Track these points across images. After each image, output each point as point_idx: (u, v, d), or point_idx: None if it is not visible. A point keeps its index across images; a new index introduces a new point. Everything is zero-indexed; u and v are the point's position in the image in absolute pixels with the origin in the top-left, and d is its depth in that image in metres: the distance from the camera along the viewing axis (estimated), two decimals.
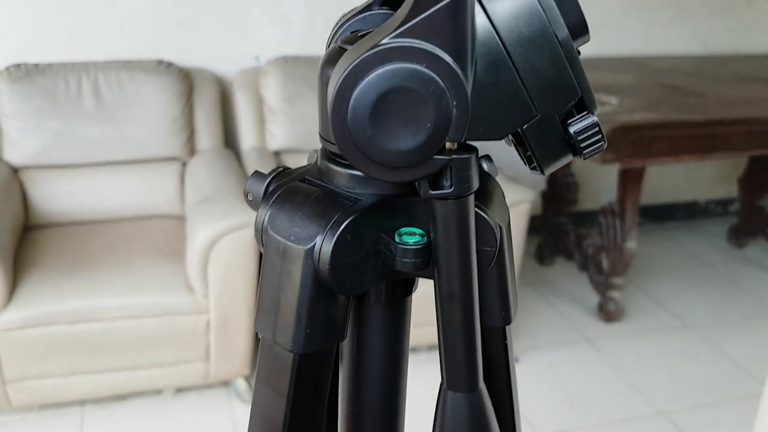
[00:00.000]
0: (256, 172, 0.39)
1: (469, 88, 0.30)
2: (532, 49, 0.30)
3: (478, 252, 0.35)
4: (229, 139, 2.42)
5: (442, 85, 0.29)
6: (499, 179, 1.72)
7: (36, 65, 2.12)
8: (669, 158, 2.12)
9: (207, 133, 2.31)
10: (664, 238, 3.11)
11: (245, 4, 2.38)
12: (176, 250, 1.96)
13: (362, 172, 0.32)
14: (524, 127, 0.32)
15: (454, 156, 0.31)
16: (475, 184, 0.33)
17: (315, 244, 0.34)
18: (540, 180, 2.84)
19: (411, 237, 0.35)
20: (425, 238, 0.35)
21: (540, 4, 0.30)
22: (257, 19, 2.41)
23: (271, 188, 0.38)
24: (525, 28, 0.30)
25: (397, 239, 0.35)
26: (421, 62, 0.29)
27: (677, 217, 3.28)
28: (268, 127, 2.34)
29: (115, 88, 2.16)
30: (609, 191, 2.61)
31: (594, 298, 2.51)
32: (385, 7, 0.37)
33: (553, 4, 0.30)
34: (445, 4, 0.28)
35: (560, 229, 2.73)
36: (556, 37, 0.30)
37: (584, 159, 0.33)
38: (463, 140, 0.31)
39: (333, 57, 0.35)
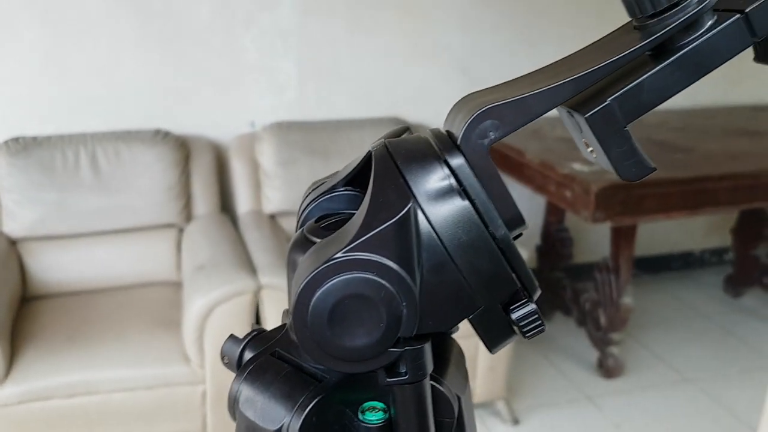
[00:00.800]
0: (232, 336, 0.41)
1: (416, 290, 0.33)
2: (472, 251, 0.33)
3: (436, 423, 0.37)
4: (226, 203, 2.45)
5: (392, 289, 0.32)
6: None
7: (34, 138, 2.16)
8: (659, 215, 2.15)
9: (203, 199, 2.33)
10: (661, 289, 3.12)
11: (240, 73, 2.44)
12: (172, 319, 1.96)
13: (322, 365, 0.35)
14: (470, 317, 0.35)
15: (407, 347, 0.34)
16: (429, 368, 0.35)
17: (282, 425, 0.37)
18: (534, 234, 2.86)
19: (373, 414, 0.37)
20: (387, 413, 0.37)
21: (476, 210, 0.33)
22: (252, 87, 2.46)
23: (245, 354, 0.40)
24: (464, 235, 0.33)
25: (360, 417, 0.37)
26: (372, 272, 0.32)
27: (673, 268, 3.29)
28: (263, 191, 2.37)
29: (112, 159, 2.19)
30: (605, 243, 2.62)
31: (593, 354, 2.50)
32: (349, 187, 0.40)
33: (490, 206, 0.34)
34: (391, 224, 0.32)
35: (557, 284, 2.74)
36: (494, 238, 0.33)
37: (528, 339, 0.36)
38: (414, 334, 0.34)
39: (298, 244, 0.38)
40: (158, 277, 2.24)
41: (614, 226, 2.24)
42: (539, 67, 0.36)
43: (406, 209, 0.32)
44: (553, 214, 2.79)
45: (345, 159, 0.42)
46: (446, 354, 0.41)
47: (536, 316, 0.34)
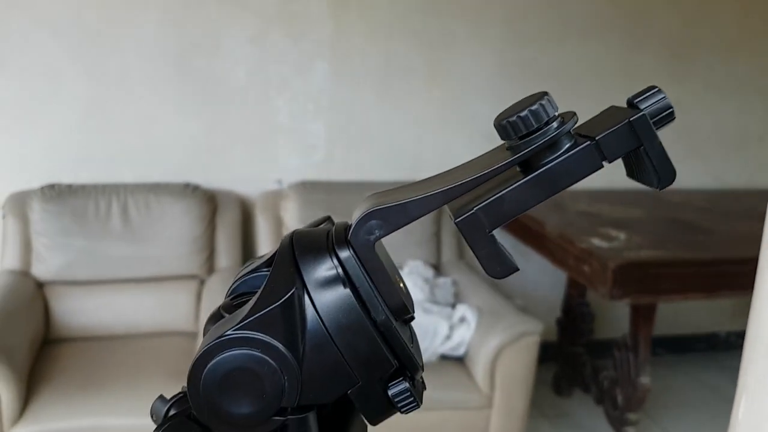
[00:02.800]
0: (161, 397, 0.45)
1: (297, 366, 0.37)
2: (350, 333, 0.37)
3: None
4: (248, 257, 2.49)
5: (274, 365, 0.36)
6: (507, 310, 1.75)
7: (69, 186, 2.25)
8: (676, 296, 2.13)
9: (226, 252, 2.39)
10: (683, 370, 3.05)
11: (271, 133, 2.52)
12: (185, 369, 1.98)
13: (214, 430, 0.39)
14: (349, 391, 0.38)
15: (290, 416, 0.38)
16: None
17: None
18: (555, 307, 2.84)
19: None
20: None
21: (359, 297, 0.37)
22: (282, 147, 2.54)
23: (170, 413, 0.44)
24: (344, 318, 0.37)
25: None
26: (257, 348, 0.36)
27: (697, 349, 3.22)
28: None
29: (142, 210, 2.27)
30: (626, 320, 2.60)
31: None
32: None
33: (373, 294, 0.38)
34: (275, 307, 0.37)
35: (577, 360, 2.70)
36: (375, 322, 0.37)
37: (403, 414, 0.39)
38: (296, 405, 0.38)
39: (213, 318, 0.42)
40: (177, 326, 2.28)
41: (633, 304, 2.22)
42: (436, 174, 0.40)
43: (288, 294, 0.37)
44: (575, 288, 2.77)
45: None
46: (346, 424, 0.44)
47: (408, 393, 0.38)
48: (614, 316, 2.92)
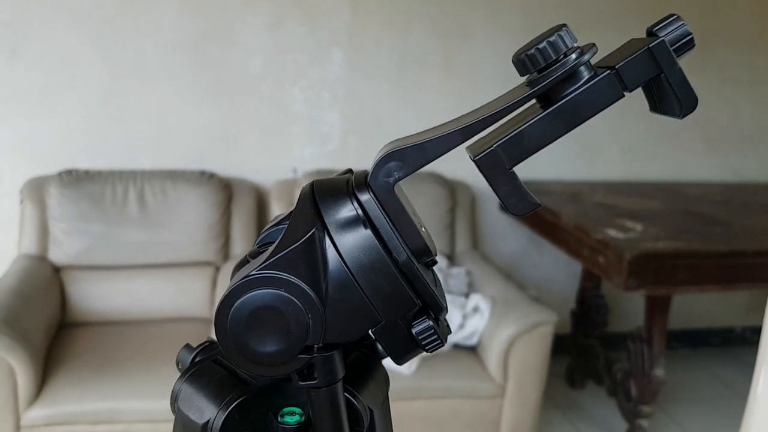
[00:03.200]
0: (187, 345, 0.47)
1: (320, 305, 0.37)
2: (373, 273, 0.38)
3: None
4: None
5: (299, 304, 0.37)
6: (521, 300, 1.76)
7: (87, 172, 2.27)
8: (692, 287, 2.11)
9: (241, 240, 2.40)
10: (698, 364, 3.03)
11: (287, 123, 2.52)
12: None
13: (241, 369, 0.40)
14: (372, 329, 0.39)
15: (315, 354, 0.38)
16: (340, 374, 0.40)
17: (209, 420, 0.41)
18: (569, 298, 2.83)
19: (291, 417, 0.42)
20: (304, 417, 0.42)
21: (379, 238, 0.38)
22: (297, 136, 2.55)
23: (196, 360, 0.45)
24: (366, 258, 0.38)
25: (279, 419, 0.42)
26: (281, 288, 0.37)
27: (712, 344, 3.20)
28: None
29: (159, 196, 2.28)
30: (640, 313, 2.59)
31: (622, 426, 2.43)
32: None
33: (393, 235, 0.38)
34: (298, 245, 0.37)
35: (590, 352, 2.69)
36: (396, 262, 0.38)
37: (429, 353, 0.40)
38: (321, 343, 0.38)
39: (240, 263, 0.43)
40: (192, 312, 2.29)
41: (648, 296, 2.21)
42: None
43: (309, 234, 0.37)
44: (589, 280, 2.76)
45: None
46: (367, 373, 0.45)
47: (432, 331, 0.38)
48: (629, 309, 2.91)
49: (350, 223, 0.38)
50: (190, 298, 2.31)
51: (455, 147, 0.37)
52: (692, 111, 0.36)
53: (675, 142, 2.94)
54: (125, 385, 1.87)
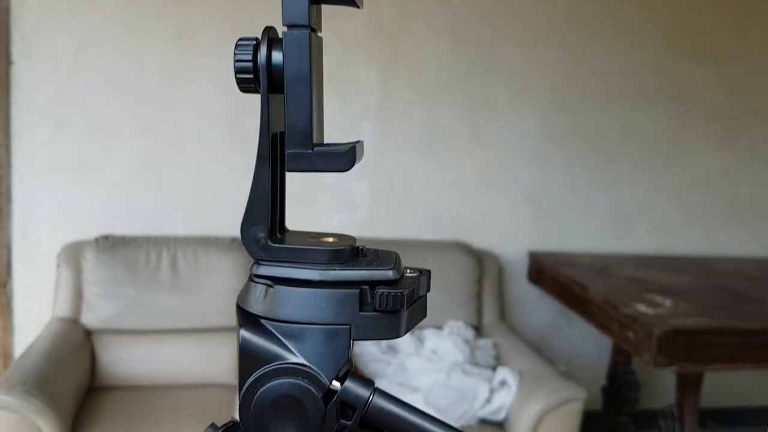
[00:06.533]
0: (212, 424, 0.48)
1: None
2: None
3: None
4: None
5: (315, 392, 0.40)
6: (549, 374, 1.75)
7: (123, 238, 2.33)
8: (724, 365, 2.07)
9: None
10: None
11: (316, 191, 2.58)
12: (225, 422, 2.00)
13: None
14: None
15: None
16: None
17: None
18: (600, 374, 2.78)
19: None
20: None
21: None
22: (326, 205, 2.60)
23: None
24: None
25: None
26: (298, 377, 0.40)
27: (748, 423, 3.09)
28: None
29: (190, 262, 2.33)
30: (673, 390, 2.53)
31: None
32: None
33: None
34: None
35: (622, 430, 2.62)
36: None
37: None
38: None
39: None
40: (219, 378, 2.30)
41: (679, 373, 2.16)
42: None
43: None
44: (620, 355, 2.71)
45: None
46: None
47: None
48: (661, 385, 2.84)
49: None
50: (216, 364, 2.32)
51: None
52: None
53: (705, 218, 2.92)
54: None
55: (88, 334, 2.26)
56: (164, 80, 2.43)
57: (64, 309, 2.26)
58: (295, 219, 2.29)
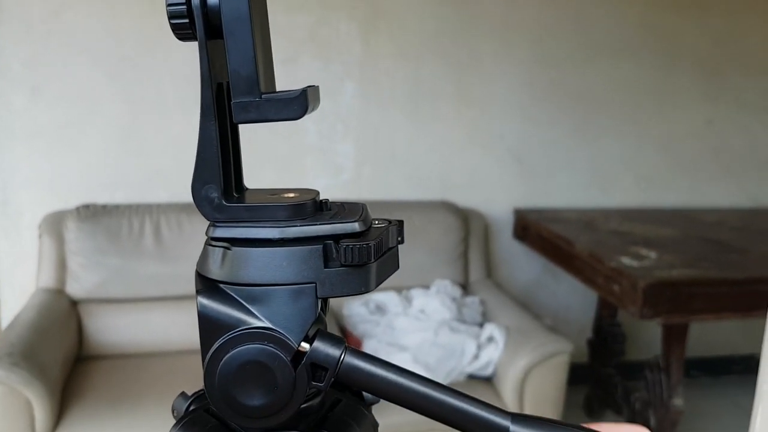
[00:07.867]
0: (182, 393, 0.46)
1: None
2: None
3: None
4: None
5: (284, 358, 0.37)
6: (536, 329, 1.76)
7: (104, 206, 2.31)
8: (709, 316, 2.09)
9: None
10: (720, 393, 2.98)
11: (300, 154, 2.55)
12: None
13: (230, 421, 0.40)
14: None
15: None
16: None
17: None
18: (586, 327, 2.81)
19: None
20: None
21: None
22: (311, 167, 2.57)
23: (191, 408, 0.45)
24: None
25: None
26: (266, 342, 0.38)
27: (733, 372, 3.14)
28: None
29: (174, 229, 2.31)
30: (658, 341, 2.56)
31: None
32: None
33: None
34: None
35: (608, 381, 2.66)
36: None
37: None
38: None
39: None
40: None
41: (664, 325, 2.18)
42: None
43: None
44: (606, 308, 2.73)
45: None
46: (354, 420, 0.44)
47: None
48: (647, 337, 2.88)
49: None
50: None
51: None
52: None
53: (691, 170, 2.92)
54: (141, 417, 1.87)
55: (74, 303, 2.25)
56: (141, 42, 2.37)
57: (48, 280, 2.24)
58: (279, 183, 2.28)
